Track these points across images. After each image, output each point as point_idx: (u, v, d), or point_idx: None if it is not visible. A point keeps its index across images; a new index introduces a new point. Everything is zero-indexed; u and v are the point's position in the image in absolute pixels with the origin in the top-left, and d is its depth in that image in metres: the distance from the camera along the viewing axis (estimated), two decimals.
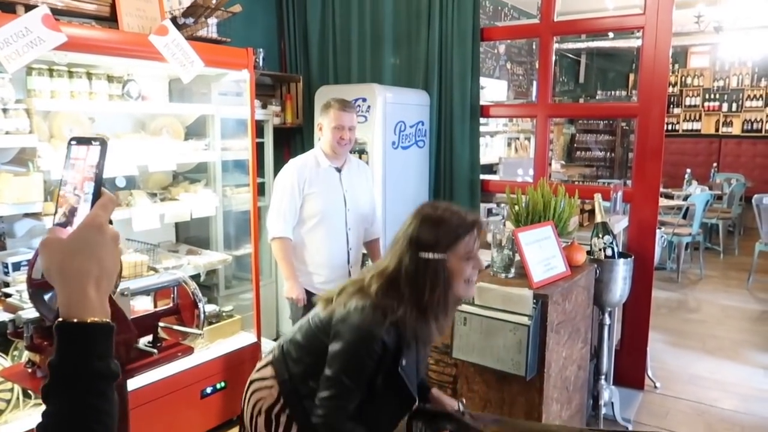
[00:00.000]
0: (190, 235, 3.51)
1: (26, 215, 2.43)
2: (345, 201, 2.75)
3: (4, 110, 2.25)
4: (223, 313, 3.21)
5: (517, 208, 2.63)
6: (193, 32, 2.83)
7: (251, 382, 1.83)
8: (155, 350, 1.80)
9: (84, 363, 0.67)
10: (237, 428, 3.06)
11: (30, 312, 1.68)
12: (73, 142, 0.79)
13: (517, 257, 2.29)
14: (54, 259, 0.70)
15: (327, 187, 2.71)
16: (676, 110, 10.15)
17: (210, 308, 3.19)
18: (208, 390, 2.93)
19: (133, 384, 2.43)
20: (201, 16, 2.79)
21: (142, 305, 2.47)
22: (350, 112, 2.68)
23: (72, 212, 0.75)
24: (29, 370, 1.74)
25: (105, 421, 0.67)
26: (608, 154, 10.12)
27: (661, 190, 6.77)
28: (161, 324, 1.98)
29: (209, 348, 3.00)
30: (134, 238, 3.02)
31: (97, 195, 0.75)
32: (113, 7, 2.56)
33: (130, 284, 1.94)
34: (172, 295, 2.06)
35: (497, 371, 2.15)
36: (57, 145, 2.51)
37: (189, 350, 1.99)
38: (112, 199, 0.75)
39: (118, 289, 1.81)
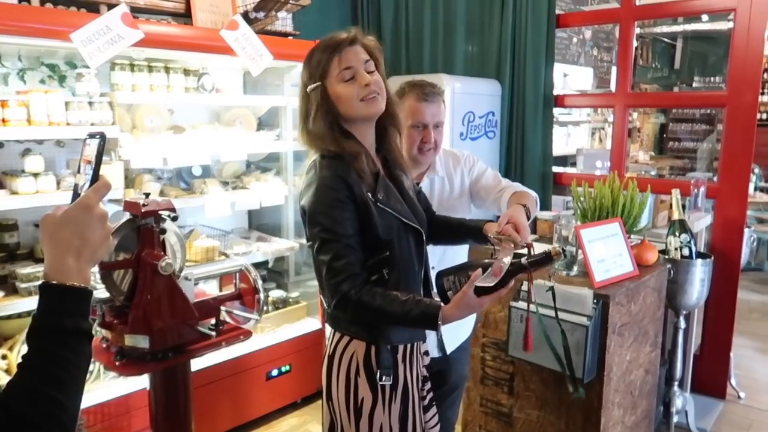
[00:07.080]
0: (263, 222, 3.63)
1: (109, 201, 2.61)
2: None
3: (90, 103, 2.42)
4: (290, 299, 3.31)
5: (583, 202, 2.52)
6: (264, 26, 2.91)
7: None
8: (213, 333, 1.88)
9: (56, 318, 0.77)
10: (300, 411, 3.18)
11: (102, 292, 1.81)
12: (86, 136, 0.93)
13: (581, 255, 2.20)
14: (46, 231, 0.81)
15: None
16: None
17: (278, 294, 3.30)
18: (274, 372, 3.05)
19: (200, 363, 2.57)
20: (271, 9, 2.86)
21: (212, 289, 2.60)
22: (434, 102, 1.92)
23: (77, 191, 0.88)
24: (104, 346, 1.88)
25: (69, 369, 0.76)
26: (705, 145, 9.42)
27: (762, 184, 6.29)
28: (224, 308, 2.08)
29: (275, 332, 3.11)
30: (208, 224, 3.17)
31: (95, 179, 0.86)
32: (188, 3, 2.68)
33: (195, 270, 2.05)
34: (234, 281, 2.15)
35: (554, 371, 2.09)
36: (138, 136, 2.67)
37: (248, 334, 2.08)
38: (106, 185, 0.86)
39: (182, 274, 1.92)
